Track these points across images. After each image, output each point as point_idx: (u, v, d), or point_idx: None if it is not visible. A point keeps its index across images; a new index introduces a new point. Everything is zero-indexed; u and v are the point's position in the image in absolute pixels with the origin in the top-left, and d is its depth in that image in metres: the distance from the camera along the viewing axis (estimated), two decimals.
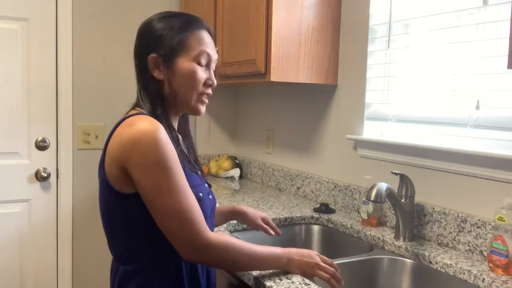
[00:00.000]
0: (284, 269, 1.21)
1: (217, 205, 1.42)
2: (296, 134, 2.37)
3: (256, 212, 1.53)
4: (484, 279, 1.27)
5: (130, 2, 2.63)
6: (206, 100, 1.23)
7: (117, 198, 1.11)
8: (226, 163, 2.75)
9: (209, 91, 1.23)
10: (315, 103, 2.22)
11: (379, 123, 1.88)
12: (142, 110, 1.16)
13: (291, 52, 1.94)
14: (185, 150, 1.26)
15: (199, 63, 1.19)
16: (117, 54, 2.60)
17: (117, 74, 2.61)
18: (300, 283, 1.16)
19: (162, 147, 1.05)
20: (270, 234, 1.50)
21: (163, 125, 1.11)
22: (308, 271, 1.20)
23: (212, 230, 1.22)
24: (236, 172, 2.73)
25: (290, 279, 1.18)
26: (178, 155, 1.11)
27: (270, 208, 1.98)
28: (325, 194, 2.09)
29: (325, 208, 1.94)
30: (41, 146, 2.46)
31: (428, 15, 1.68)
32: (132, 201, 1.09)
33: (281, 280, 1.17)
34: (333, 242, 1.81)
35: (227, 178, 2.74)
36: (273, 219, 1.79)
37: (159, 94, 1.17)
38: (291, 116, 2.40)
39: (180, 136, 1.28)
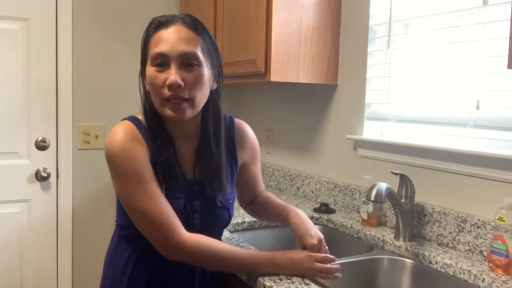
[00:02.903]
0: (274, 274, 1.19)
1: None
2: (296, 134, 2.37)
3: (305, 230, 1.26)
4: (484, 279, 1.27)
5: (131, 2, 2.63)
6: (172, 103, 1.11)
7: None
8: None
9: (172, 92, 1.09)
10: (315, 103, 2.22)
11: (379, 123, 1.88)
12: (138, 116, 1.21)
13: (291, 52, 1.94)
14: (174, 160, 1.18)
15: (157, 65, 1.12)
16: (117, 54, 2.60)
17: (117, 74, 2.61)
18: (300, 283, 1.16)
19: (127, 158, 1.11)
20: None
21: (152, 134, 1.16)
22: (303, 275, 1.19)
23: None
24: None
25: (290, 279, 1.18)
26: (157, 165, 1.14)
27: None
28: (325, 194, 2.09)
29: (325, 208, 1.94)
30: (41, 146, 2.46)
31: (428, 15, 1.68)
32: None
33: (281, 280, 1.17)
34: (333, 242, 1.81)
35: None
36: None
37: (149, 104, 1.19)
38: (291, 116, 2.40)
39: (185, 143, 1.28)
